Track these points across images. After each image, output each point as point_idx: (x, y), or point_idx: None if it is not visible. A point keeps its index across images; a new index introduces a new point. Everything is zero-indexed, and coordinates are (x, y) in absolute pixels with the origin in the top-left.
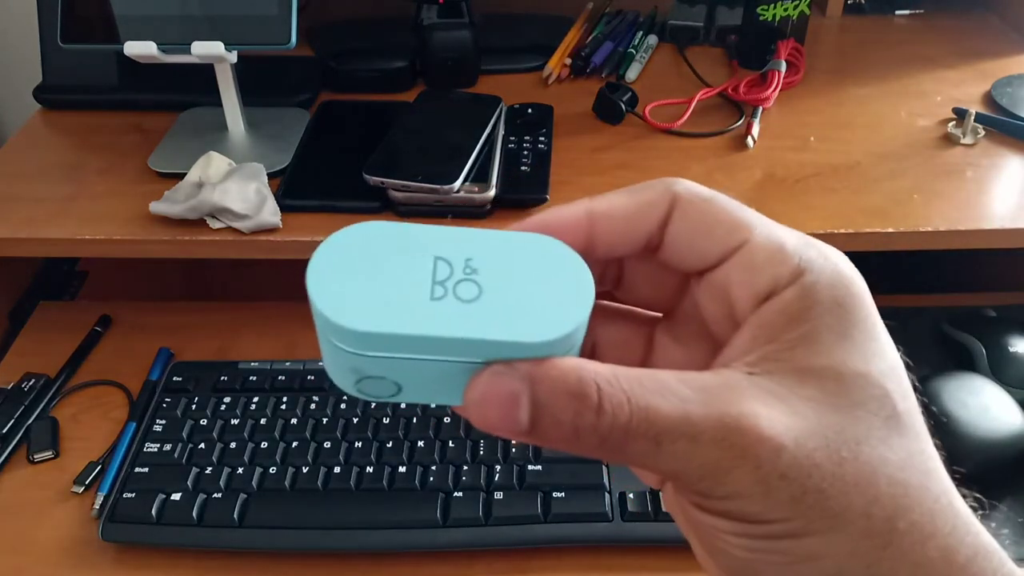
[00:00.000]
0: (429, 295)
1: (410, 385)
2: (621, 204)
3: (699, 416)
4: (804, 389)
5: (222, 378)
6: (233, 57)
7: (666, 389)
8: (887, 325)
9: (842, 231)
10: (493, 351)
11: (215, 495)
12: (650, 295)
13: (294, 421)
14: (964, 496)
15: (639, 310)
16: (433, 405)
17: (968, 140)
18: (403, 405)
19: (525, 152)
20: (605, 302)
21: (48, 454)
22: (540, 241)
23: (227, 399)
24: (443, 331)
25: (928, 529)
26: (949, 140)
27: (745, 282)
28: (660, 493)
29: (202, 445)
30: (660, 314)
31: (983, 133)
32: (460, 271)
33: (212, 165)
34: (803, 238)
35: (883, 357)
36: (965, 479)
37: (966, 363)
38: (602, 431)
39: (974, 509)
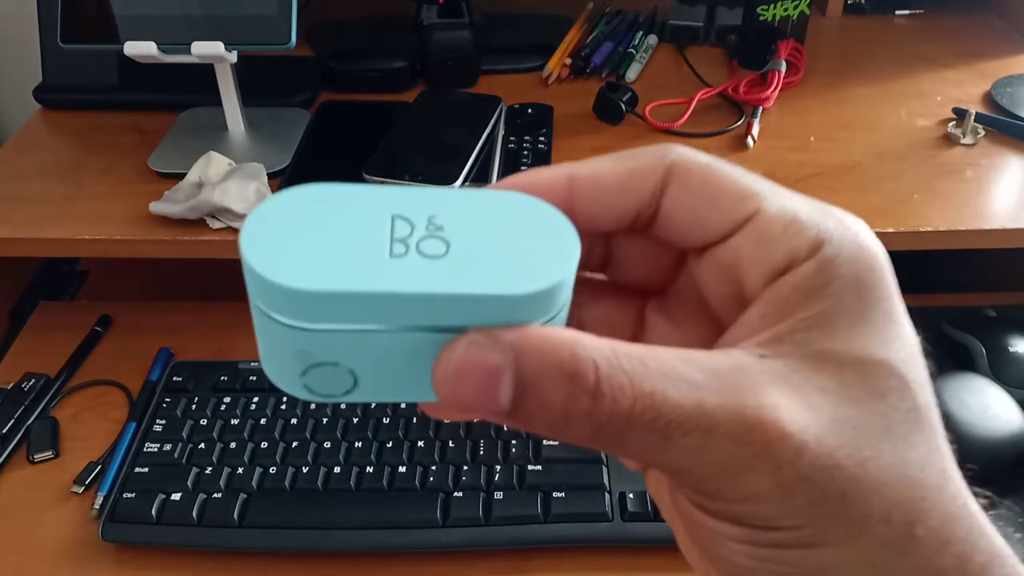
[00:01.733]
0: (388, 252)
1: (368, 374)
2: (608, 171)
3: (713, 406)
4: (821, 378)
5: (222, 378)
6: (233, 57)
7: (673, 371)
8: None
9: None
10: (466, 312)
11: (215, 495)
12: (642, 274)
13: (294, 421)
14: (976, 495)
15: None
16: (403, 405)
17: (968, 140)
18: (403, 405)
19: (525, 152)
20: (590, 274)
21: (48, 454)
22: (513, 197)
23: (227, 399)
24: (405, 287)
25: (945, 535)
26: (949, 140)
27: (758, 258)
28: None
29: (202, 445)
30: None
31: (983, 133)
32: (423, 228)
33: (212, 165)
34: (818, 206)
35: (903, 343)
36: (975, 477)
37: (966, 363)
38: (599, 419)
39: (984, 509)
